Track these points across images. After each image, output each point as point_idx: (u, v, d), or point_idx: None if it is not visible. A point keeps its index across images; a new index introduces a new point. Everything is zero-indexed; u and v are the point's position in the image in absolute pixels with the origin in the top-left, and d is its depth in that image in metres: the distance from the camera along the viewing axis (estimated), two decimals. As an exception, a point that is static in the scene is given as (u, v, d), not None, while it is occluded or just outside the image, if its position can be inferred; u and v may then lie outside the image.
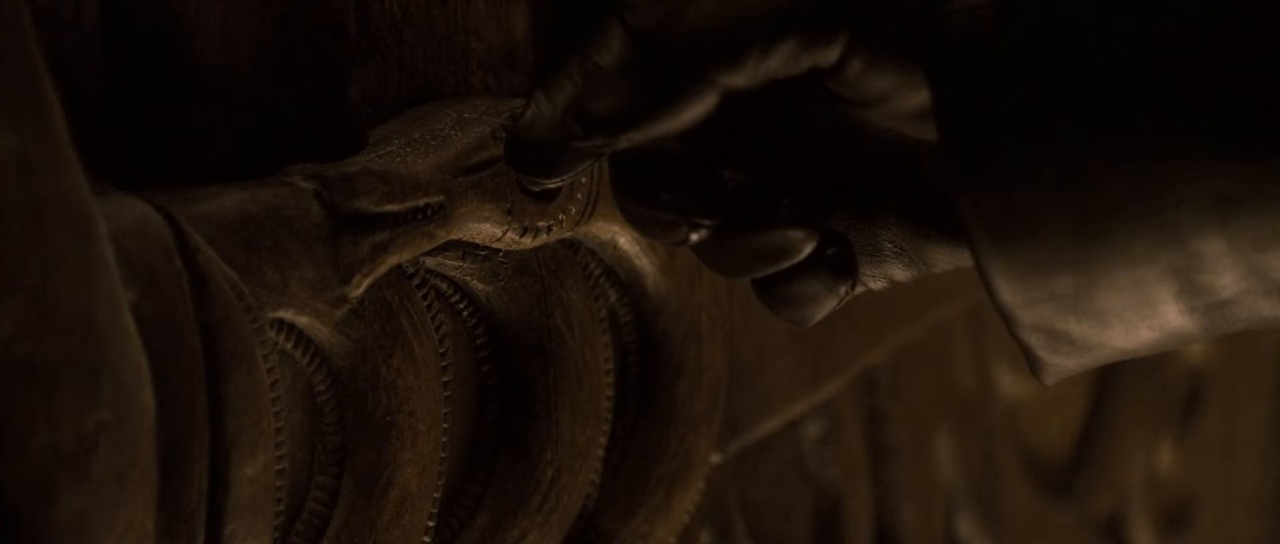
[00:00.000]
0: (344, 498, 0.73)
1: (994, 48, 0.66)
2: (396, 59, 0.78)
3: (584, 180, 0.79)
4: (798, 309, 0.73)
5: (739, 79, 0.68)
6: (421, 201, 0.73)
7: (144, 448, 0.60)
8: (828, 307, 0.73)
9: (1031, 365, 0.70)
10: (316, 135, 0.73)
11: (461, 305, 0.79)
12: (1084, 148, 0.65)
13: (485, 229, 0.76)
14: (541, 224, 0.77)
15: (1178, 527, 1.50)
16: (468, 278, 0.79)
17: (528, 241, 0.77)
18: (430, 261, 0.77)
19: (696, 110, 0.68)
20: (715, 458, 0.93)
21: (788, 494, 1.06)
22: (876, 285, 0.74)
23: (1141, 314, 0.67)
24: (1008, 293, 0.67)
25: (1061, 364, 0.70)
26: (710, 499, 0.94)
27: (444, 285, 0.78)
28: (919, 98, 0.68)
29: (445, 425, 0.77)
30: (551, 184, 0.72)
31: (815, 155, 0.72)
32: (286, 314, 0.69)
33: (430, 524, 0.76)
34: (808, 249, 0.71)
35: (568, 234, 0.79)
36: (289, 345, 0.71)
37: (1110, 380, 1.40)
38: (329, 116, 0.74)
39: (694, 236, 0.71)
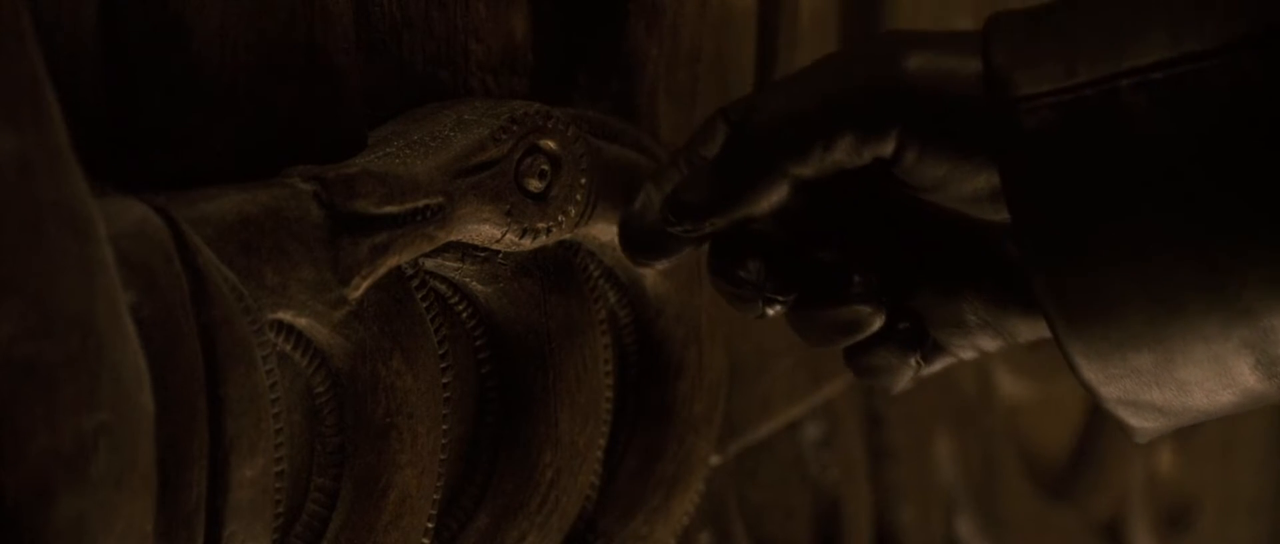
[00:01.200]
0: (343, 500, 0.73)
1: (1061, 143, 0.69)
2: (396, 60, 0.78)
3: (583, 182, 0.79)
4: (878, 378, 0.79)
5: (806, 169, 0.73)
6: (421, 203, 0.73)
7: (143, 450, 0.60)
8: (905, 376, 0.78)
9: (1122, 429, 0.74)
10: (316, 137, 0.73)
11: (461, 307, 0.79)
12: (1150, 235, 0.69)
13: (485, 230, 0.76)
14: (541, 226, 0.77)
15: (1177, 529, 1.50)
16: (467, 279, 0.79)
17: (527, 243, 0.77)
18: (429, 263, 0.77)
19: (770, 198, 0.74)
20: (715, 459, 0.93)
21: (787, 496, 1.06)
22: (967, 355, 0.79)
23: (1221, 382, 0.71)
24: (1090, 371, 0.71)
25: (1150, 427, 0.74)
26: (710, 501, 0.94)
27: (443, 287, 0.78)
28: (975, 183, 0.73)
29: (444, 427, 0.76)
30: (659, 266, 0.78)
31: (897, 234, 0.77)
32: (286, 316, 0.69)
33: (429, 526, 0.76)
34: (877, 323, 0.77)
35: (567, 236, 0.79)
36: (288, 347, 0.71)
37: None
38: (328, 118, 0.74)
39: (769, 311, 0.76)
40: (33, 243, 0.55)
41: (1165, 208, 0.68)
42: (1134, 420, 0.73)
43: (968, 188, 0.73)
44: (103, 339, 0.57)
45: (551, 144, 0.78)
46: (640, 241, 0.76)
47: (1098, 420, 1.40)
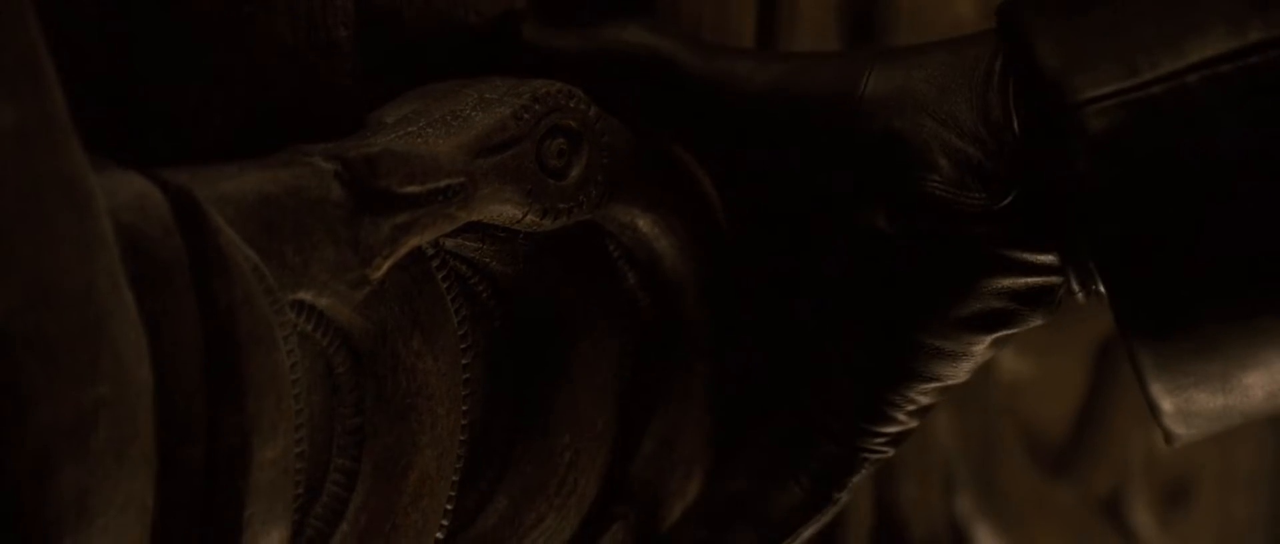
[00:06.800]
0: (362, 480, 0.73)
1: (1131, 144, 0.67)
2: (395, 34, 0.78)
3: (604, 162, 0.78)
4: None
5: None
6: (442, 183, 0.72)
7: (143, 423, 0.60)
8: None
9: (1166, 438, 0.74)
10: (313, 111, 0.73)
11: (480, 287, 0.79)
12: (1226, 231, 0.67)
13: (506, 211, 0.75)
14: (562, 206, 0.77)
15: (1176, 505, 1.50)
16: (487, 260, 0.78)
17: (548, 223, 0.77)
18: (450, 243, 0.76)
19: None
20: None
21: (787, 472, 1.06)
22: None
23: None
24: (1157, 383, 0.70)
25: (1193, 434, 0.73)
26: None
27: (463, 267, 0.78)
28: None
29: (464, 408, 0.76)
30: None
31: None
32: (307, 296, 0.69)
33: (448, 507, 0.76)
34: None
35: (588, 216, 0.79)
36: (309, 327, 0.70)
37: (1110, 359, 1.40)
38: (326, 92, 0.73)
39: None
40: (32, 215, 0.55)
41: (1241, 205, 0.67)
42: (1181, 429, 0.72)
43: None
44: (102, 312, 0.57)
45: (573, 124, 0.77)
46: None
47: (1097, 399, 1.40)
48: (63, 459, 0.56)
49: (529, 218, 0.76)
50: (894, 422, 0.77)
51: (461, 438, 0.76)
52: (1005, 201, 0.72)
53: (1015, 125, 0.71)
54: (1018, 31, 0.69)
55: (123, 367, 0.58)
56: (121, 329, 0.58)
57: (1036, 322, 0.75)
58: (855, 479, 0.78)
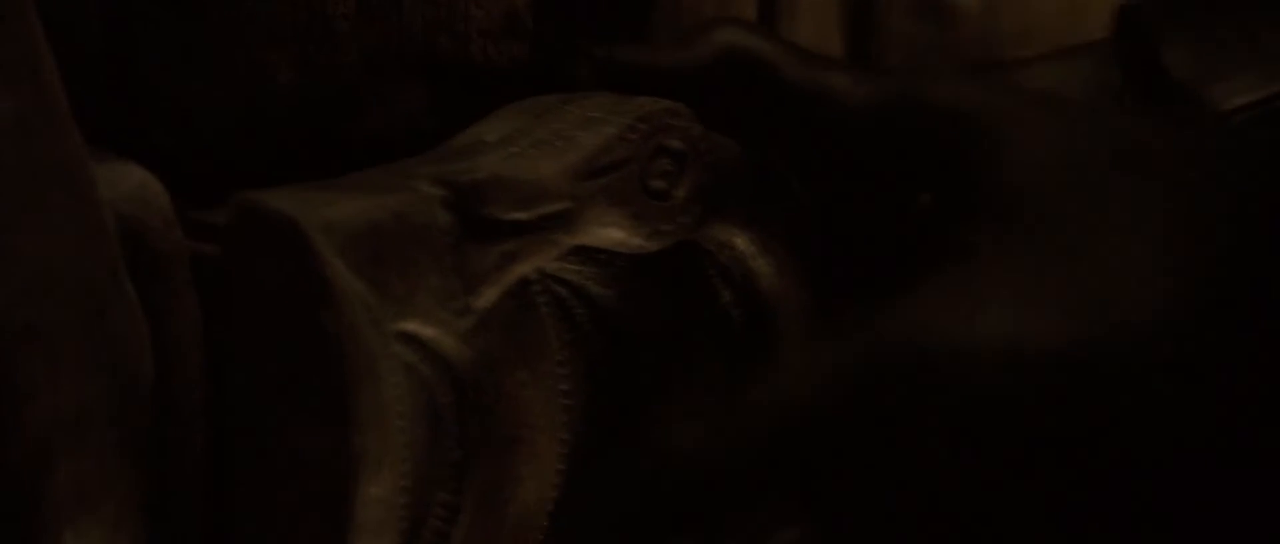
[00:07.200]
0: (464, 514, 0.71)
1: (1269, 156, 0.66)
2: (396, 26, 0.77)
3: (708, 180, 0.77)
4: None
5: None
6: (548, 209, 0.71)
7: (144, 416, 0.60)
8: None
9: None
10: (314, 105, 0.73)
11: (580, 311, 0.78)
12: None
13: (610, 234, 0.74)
14: (666, 228, 0.75)
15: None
16: (587, 283, 0.76)
17: (652, 246, 0.75)
18: (551, 267, 0.74)
19: None
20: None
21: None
22: None
23: None
24: None
25: None
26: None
27: (563, 290, 0.76)
28: None
29: (563, 436, 0.75)
30: None
31: None
32: (412, 326, 0.67)
33: (541, 538, 0.75)
34: None
35: (689, 236, 0.78)
36: (415, 359, 0.69)
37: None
38: (327, 85, 0.74)
39: None
40: (32, 206, 0.55)
41: None
42: None
43: None
44: (104, 304, 0.57)
45: (679, 144, 0.75)
46: None
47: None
48: (63, 451, 0.56)
49: (634, 241, 0.75)
50: None
51: (560, 466, 0.75)
52: None
53: None
54: (1145, 38, 0.68)
55: (123, 358, 0.58)
56: (122, 320, 0.58)
57: None
58: None
